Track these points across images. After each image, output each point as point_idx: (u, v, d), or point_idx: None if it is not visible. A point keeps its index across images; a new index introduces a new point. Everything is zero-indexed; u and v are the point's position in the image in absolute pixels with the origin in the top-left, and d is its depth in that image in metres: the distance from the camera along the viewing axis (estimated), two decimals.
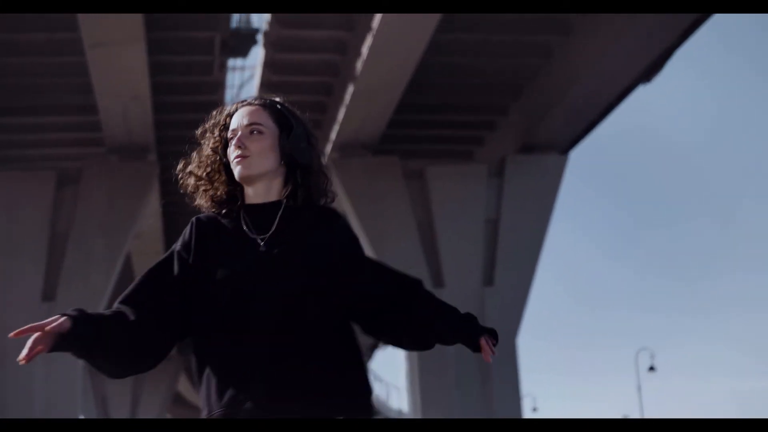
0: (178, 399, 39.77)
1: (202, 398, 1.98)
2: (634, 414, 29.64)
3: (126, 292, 2.02)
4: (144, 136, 16.89)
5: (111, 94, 15.15)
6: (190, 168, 2.08)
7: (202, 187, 2.07)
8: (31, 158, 18.23)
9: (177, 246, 2.05)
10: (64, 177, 18.71)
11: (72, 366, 19.33)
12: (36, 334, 1.79)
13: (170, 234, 23.54)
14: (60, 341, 1.83)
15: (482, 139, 19.18)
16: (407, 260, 20.16)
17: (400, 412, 61.82)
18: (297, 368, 1.91)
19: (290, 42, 15.47)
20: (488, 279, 20.91)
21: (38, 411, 18.95)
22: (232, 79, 17.77)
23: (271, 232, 1.98)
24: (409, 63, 14.62)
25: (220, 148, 2.07)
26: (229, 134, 2.06)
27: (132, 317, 1.95)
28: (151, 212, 21.10)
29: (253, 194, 2.04)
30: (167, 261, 2.03)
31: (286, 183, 2.05)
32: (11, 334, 1.80)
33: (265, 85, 16.74)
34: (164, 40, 14.69)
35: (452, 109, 17.86)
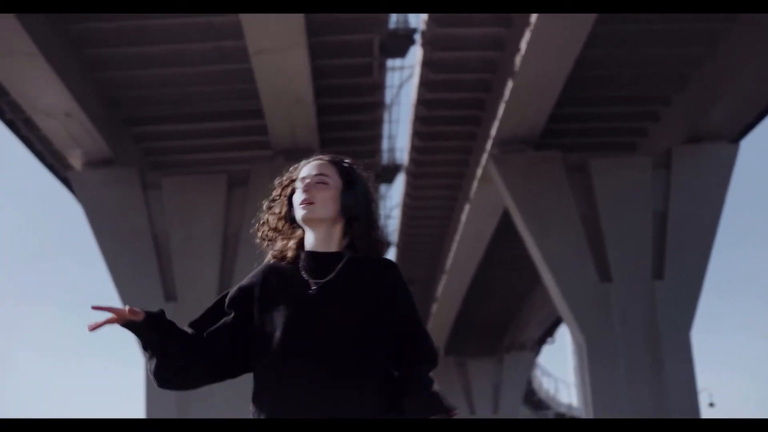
0: None
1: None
2: None
3: (195, 316, 2.35)
4: (308, 138, 17.31)
5: (276, 98, 15.60)
6: (267, 221, 2.37)
7: (272, 239, 2.35)
8: (204, 162, 18.98)
9: (243, 283, 2.33)
10: (234, 179, 19.42)
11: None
12: (112, 315, 2.14)
13: None
14: (131, 324, 2.19)
15: (646, 131, 18.72)
16: (572, 256, 19.90)
17: (570, 406, 61.11)
18: (328, 401, 2.12)
19: (448, 40, 15.53)
20: (658, 272, 20.37)
21: (217, 411, 19.72)
22: (392, 80, 18.04)
23: (327, 279, 2.18)
24: (568, 56, 14.43)
25: (285, 199, 2.33)
26: (297, 183, 2.28)
27: (190, 338, 2.27)
28: None
29: (314, 242, 2.26)
30: (230, 297, 2.34)
31: (344, 234, 2.24)
32: (90, 326, 2.15)
33: (424, 84, 16.87)
34: (325, 44, 15.03)
35: (614, 101, 17.53)
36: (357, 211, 2.27)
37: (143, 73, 16.07)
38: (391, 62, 17.17)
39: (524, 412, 52.85)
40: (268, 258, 2.35)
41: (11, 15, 12.08)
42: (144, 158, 18.69)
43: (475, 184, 20.71)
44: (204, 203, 20.06)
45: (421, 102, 17.53)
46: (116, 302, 19.87)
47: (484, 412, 38.41)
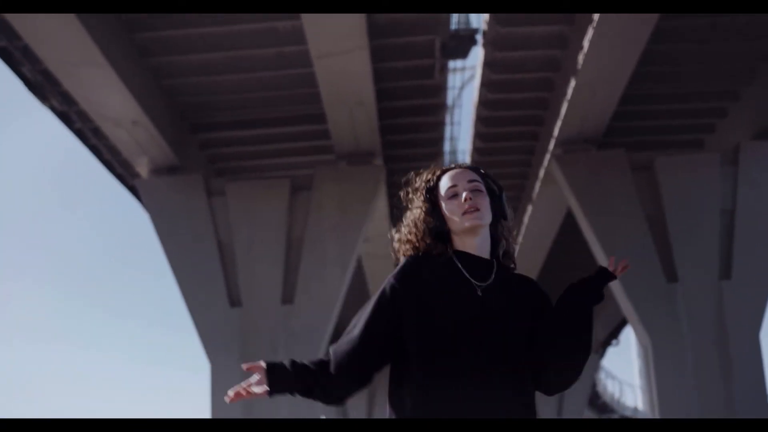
0: None
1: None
2: None
3: (344, 338, 2.29)
4: (370, 142, 17.36)
5: (338, 102, 15.67)
6: (404, 236, 2.34)
7: (413, 248, 2.32)
8: (266, 167, 19.13)
9: (392, 282, 2.26)
10: (297, 184, 19.53)
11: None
12: (244, 389, 2.31)
13: None
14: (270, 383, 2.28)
15: (713, 127, 18.43)
16: (638, 255, 19.63)
17: (635, 410, 60.34)
18: (502, 400, 2.17)
19: (509, 40, 15.45)
20: (725, 272, 20.02)
21: (284, 411, 19.84)
22: (453, 81, 17.99)
23: (489, 283, 2.22)
24: (632, 53, 14.27)
25: (428, 212, 2.31)
26: (447, 192, 2.28)
27: (312, 367, 2.29)
28: (379, 215, 21.66)
29: (468, 245, 2.26)
30: (380, 304, 2.27)
31: (492, 241, 2.27)
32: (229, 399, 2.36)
33: (486, 85, 16.81)
34: (386, 46, 15.05)
35: (680, 98, 17.29)
36: (508, 217, 2.33)
37: (207, 80, 16.24)
38: (452, 64, 17.15)
39: (588, 415, 52.35)
40: (408, 256, 2.33)
41: (79, 24, 12.29)
42: (208, 165, 18.90)
43: (537, 185, 20.57)
44: (267, 208, 20.20)
45: (483, 103, 17.46)
46: (182, 308, 20.13)
47: (548, 415, 38.12)
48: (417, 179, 2.38)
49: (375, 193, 19.72)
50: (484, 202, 2.26)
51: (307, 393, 2.26)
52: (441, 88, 17.02)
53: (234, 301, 20.67)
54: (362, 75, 14.75)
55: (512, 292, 2.26)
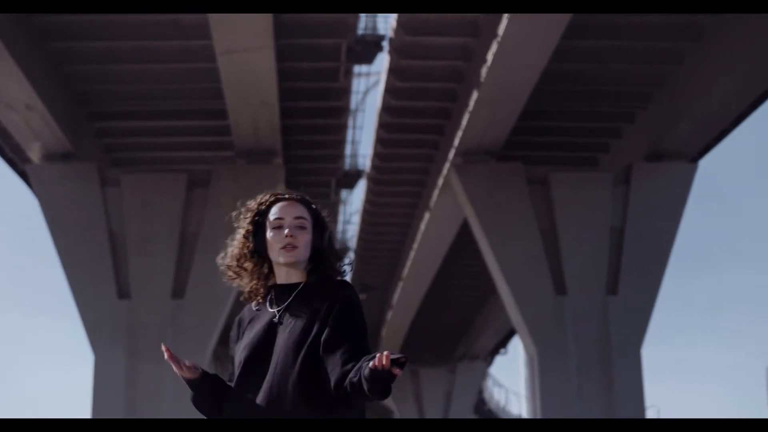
0: None
1: None
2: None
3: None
4: (271, 141, 17.24)
5: (240, 99, 15.52)
6: (227, 261, 2.46)
7: (237, 274, 2.45)
8: (164, 161, 18.81)
9: (232, 331, 2.54)
10: (194, 179, 19.27)
11: (200, 359, 19.85)
12: (176, 359, 2.34)
13: None
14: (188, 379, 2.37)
15: (608, 146, 18.88)
16: (530, 267, 20.00)
17: (519, 417, 61.29)
18: (274, 400, 2.27)
19: (415, 48, 15.55)
20: (612, 288, 20.53)
21: (167, 410, 19.55)
22: (358, 86, 18.00)
23: (283, 306, 2.34)
24: (534, 69, 14.52)
25: (249, 234, 2.42)
26: (273, 222, 2.39)
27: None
28: None
29: (284, 276, 2.39)
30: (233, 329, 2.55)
31: (310, 267, 2.41)
32: (165, 350, 2.33)
33: (390, 91, 16.87)
34: (292, 46, 14.98)
35: (578, 116, 17.66)
36: (328, 252, 2.41)
37: (107, 68, 15.90)
38: (357, 68, 17.16)
39: None
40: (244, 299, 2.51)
41: None
42: (104, 154, 18.48)
43: (436, 193, 20.75)
44: (163, 202, 19.86)
45: (386, 109, 17.53)
46: (69, 299, 19.66)
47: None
48: (252, 201, 2.41)
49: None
50: (305, 239, 2.35)
51: (213, 410, 2.39)
52: (345, 92, 17.03)
53: (123, 294, 20.27)
54: (266, 73, 14.64)
55: (310, 307, 2.33)
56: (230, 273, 2.43)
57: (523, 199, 19.58)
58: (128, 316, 20.02)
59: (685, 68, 15.73)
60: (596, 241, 20.18)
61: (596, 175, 19.55)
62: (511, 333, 33.21)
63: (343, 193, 22.50)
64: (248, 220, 2.42)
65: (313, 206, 2.43)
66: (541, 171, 19.13)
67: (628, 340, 20.75)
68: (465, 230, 22.12)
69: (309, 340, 2.27)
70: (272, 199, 2.43)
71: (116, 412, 19.34)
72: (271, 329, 2.32)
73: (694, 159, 18.76)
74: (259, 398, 2.24)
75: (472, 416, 47.56)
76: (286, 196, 2.44)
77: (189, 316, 20.06)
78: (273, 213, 2.39)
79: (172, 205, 19.84)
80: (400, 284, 27.74)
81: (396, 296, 28.99)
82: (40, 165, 18.29)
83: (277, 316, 2.32)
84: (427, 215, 22.33)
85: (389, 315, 31.12)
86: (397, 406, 36.50)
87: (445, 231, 23.10)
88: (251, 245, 2.38)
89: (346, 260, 2.44)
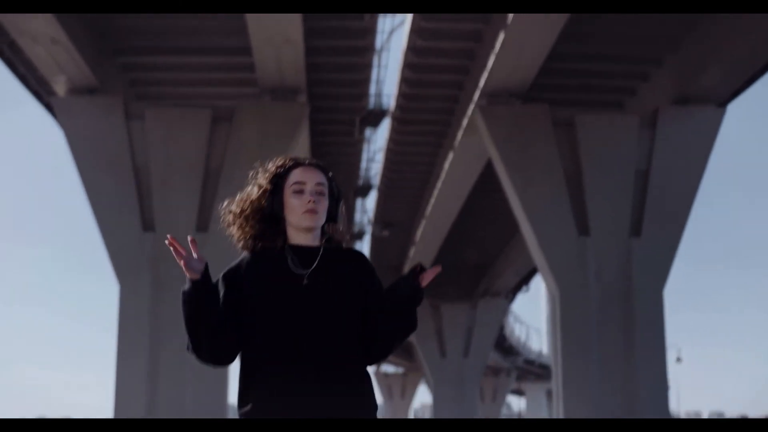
0: None
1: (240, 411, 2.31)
2: None
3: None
4: (296, 79, 17.16)
5: (265, 36, 15.42)
6: (231, 207, 2.46)
7: (238, 224, 2.44)
8: (188, 96, 18.81)
9: (226, 271, 2.43)
10: (218, 115, 19.27)
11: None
12: (183, 250, 2.31)
13: None
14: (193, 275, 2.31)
15: (635, 90, 18.67)
16: (553, 208, 19.97)
17: (540, 353, 61.78)
18: (319, 399, 2.25)
19: None
20: (636, 230, 20.51)
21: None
22: (383, 25, 17.81)
23: (311, 269, 2.34)
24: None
25: (266, 193, 2.41)
26: (294, 186, 2.41)
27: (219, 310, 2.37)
28: (300, 152, 21.55)
29: (302, 238, 2.41)
30: (223, 279, 2.43)
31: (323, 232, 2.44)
32: (168, 238, 2.31)
33: (416, 32, 16.71)
34: None
35: (605, 59, 17.44)
36: (340, 220, 2.46)
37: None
38: None
39: (494, 358, 53.49)
40: (244, 253, 2.46)
41: None
42: (129, 88, 18.49)
43: (460, 134, 20.65)
44: (186, 137, 19.91)
45: (411, 49, 17.38)
46: (94, 230, 19.90)
47: (454, 355, 38.79)
48: (270, 163, 2.45)
49: (297, 130, 19.56)
50: (323, 206, 2.39)
51: (203, 322, 2.32)
52: (370, 31, 16.86)
53: (147, 227, 20.47)
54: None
55: (337, 272, 2.37)
56: (229, 219, 2.44)
57: (548, 141, 19.46)
58: (153, 249, 20.22)
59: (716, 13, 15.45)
60: (621, 183, 20.08)
61: (622, 118, 19.37)
62: (533, 271, 33.31)
63: (367, 131, 22.41)
64: (267, 180, 2.43)
65: (330, 174, 2.45)
66: (567, 113, 18.97)
67: (651, 281, 20.77)
68: (489, 170, 22.06)
69: (347, 304, 2.31)
70: (291, 163, 2.45)
71: (141, 342, 19.67)
72: (295, 288, 2.32)
73: (722, 104, 18.54)
74: (308, 359, 2.23)
75: (493, 353, 47.93)
76: (306, 161, 2.45)
77: (212, 250, 20.16)
78: (294, 177, 2.41)
79: (196, 139, 19.88)
80: (423, 222, 27.79)
81: (419, 233, 29.07)
82: (65, 98, 18.35)
83: (305, 277, 2.33)
84: (451, 155, 22.25)
85: (412, 251, 31.24)
86: (418, 342, 36.83)
87: (469, 171, 23.05)
88: (269, 205, 2.40)
89: (351, 230, 2.59)
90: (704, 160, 19.75)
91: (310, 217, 2.36)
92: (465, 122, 19.65)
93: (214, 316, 2.29)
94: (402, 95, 19.68)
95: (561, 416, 20.24)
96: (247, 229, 2.42)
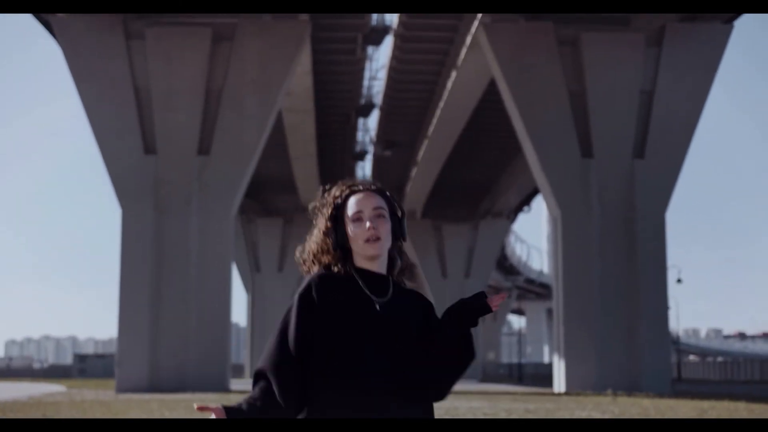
0: None
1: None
2: None
3: (265, 358, 2.36)
4: None
5: None
6: (305, 256, 2.43)
7: (314, 263, 2.41)
8: (188, 14, 18.50)
9: (297, 299, 2.37)
10: (219, 33, 18.99)
11: (225, 214, 20.14)
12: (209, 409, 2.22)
13: (319, 93, 23.78)
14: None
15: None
16: (556, 129, 19.85)
17: (540, 273, 62.20)
18: (399, 409, 2.26)
19: None
20: (639, 151, 20.43)
21: (194, 263, 19.90)
22: None
23: (387, 298, 2.35)
24: None
25: (330, 230, 2.40)
26: (352, 216, 2.39)
27: (269, 388, 2.33)
28: (302, 70, 21.32)
29: (368, 264, 2.39)
30: (292, 319, 2.37)
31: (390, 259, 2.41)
32: (196, 407, 2.22)
33: None
34: None
35: None
36: (405, 238, 2.44)
37: None
38: None
39: (495, 277, 53.83)
40: (314, 273, 2.44)
41: None
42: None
43: (464, 52, 20.42)
44: (187, 56, 19.70)
45: None
46: (95, 151, 19.76)
47: (456, 275, 39.03)
48: (326, 195, 2.46)
49: (299, 49, 19.35)
50: (386, 229, 2.37)
51: (274, 413, 2.36)
52: None
53: (149, 149, 20.38)
54: None
55: (407, 305, 2.39)
56: (306, 267, 2.44)
57: (553, 60, 19.25)
58: (154, 171, 20.17)
59: None
60: (625, 103, 19.93)
61: (628, 35, 19.13)
62: (535, 191, 33.30)
63: (370, 49, 22.15)
64: (327, 216, 2.42)
65: (387, 194, 2.44)
66: (572, 31, 18.72)
67: (653, 204, 20.77)
68: (492, 89, 21.87)
69: (416, 335, 2.34)
70: (348, 191, 2.42)
71: (144, 263, 19.74)
72: (371, 313, 2.34)
73: (729, 20, 18.27)
74: (383, 384, 2.26)
75: (494, 272, 48.19)
76: (361, 187, 2.42)
77: (214, 172, 20.18)
78: (351, 206, 2.40)
79: (197, 59, 19.68)
80: (426, 141, 27.67)
81: (421, 153, 28.97)
82: (64, 16, 18.07)
83: (379, 305, 2.35)
84: (454, 74, 22.04)
85: (414, 171, 31.18)
86: (420, 260, 36.98)
87: (472, 90, 22.86)
88: (333, 242, 2.40)
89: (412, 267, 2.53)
90: (710, 79, 19.57)
91: (372, 246, 2.36)
92: (468, 40, 19.40)
93: (276, 408, 2.29)
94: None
95: (561, 335, 20.43)
96: (323, 262, 2.42)
